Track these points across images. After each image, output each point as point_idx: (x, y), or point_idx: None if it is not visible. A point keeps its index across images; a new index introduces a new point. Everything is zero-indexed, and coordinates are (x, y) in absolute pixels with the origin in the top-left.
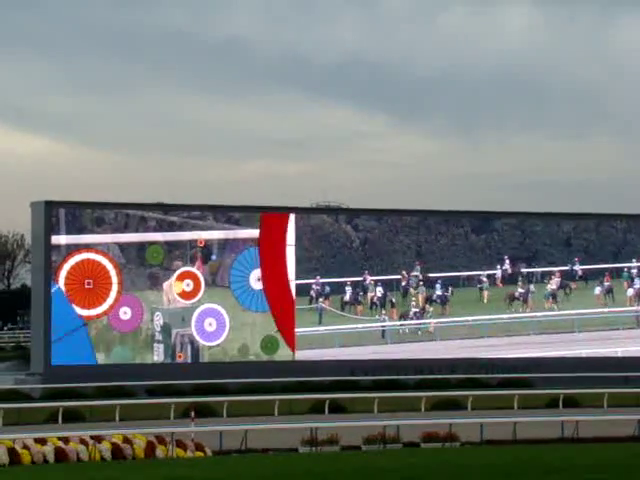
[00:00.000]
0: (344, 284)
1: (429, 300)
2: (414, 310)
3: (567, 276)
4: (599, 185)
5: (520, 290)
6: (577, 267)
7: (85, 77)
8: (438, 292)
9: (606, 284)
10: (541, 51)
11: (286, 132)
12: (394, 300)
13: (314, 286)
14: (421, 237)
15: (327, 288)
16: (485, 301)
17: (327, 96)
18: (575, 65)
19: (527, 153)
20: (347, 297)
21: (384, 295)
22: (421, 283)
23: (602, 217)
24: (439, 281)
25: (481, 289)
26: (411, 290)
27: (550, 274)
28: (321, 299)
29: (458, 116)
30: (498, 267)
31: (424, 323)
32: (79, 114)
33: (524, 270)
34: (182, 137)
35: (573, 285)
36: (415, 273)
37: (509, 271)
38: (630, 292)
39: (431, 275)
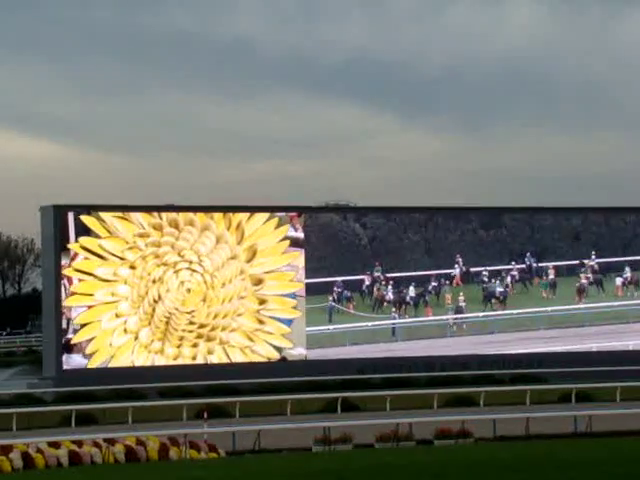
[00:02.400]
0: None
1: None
2: (459, 305)
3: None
4: (607, 178)
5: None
6: (593, 261)
7: (91, 80)
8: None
9: (626, 275)
10: (547, 46)
11: (294, 131)
12: (427, 299)
13: (336, 288)
14: (429, 234)
15: (346, 292)
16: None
17: (334, 95)
18: (582, 59)
19: (535, 148)
20: (390, 295)
21: (422, 294)
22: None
23: (611, 211)
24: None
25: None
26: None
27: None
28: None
29: (466, 112)
30: (513, 263)
31: (457, 318)
32: (86, 117)
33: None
34: (190, 138)
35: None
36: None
37: (533, 265)
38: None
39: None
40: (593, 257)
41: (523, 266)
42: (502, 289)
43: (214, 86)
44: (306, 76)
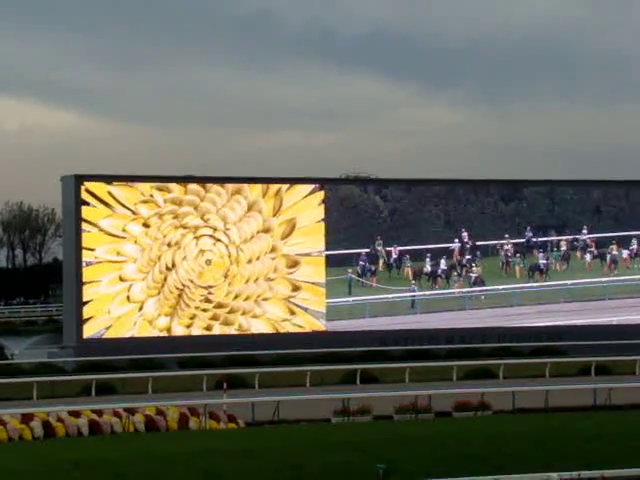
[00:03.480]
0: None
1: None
2: (474, 276)
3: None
4: (628, 152)
5: (542, 261)
6: (584, 236)
7: (113, 51)
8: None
9: (632, 247)
10: (570, 19)
11: (314, 103)
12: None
13: (360, 262)
14: (450, 206)
15: (369, 265)
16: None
17: (355, 67)
18: (605, 33)
19: (556, 121)
20: (428, 268)
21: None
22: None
23: (632, 184)
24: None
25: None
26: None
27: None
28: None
29: (487, 85)
30: (507, 236)
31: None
32: (108, 88)
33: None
34: (211, 110)
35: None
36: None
37: (531, 240)
38: None
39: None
40: (584, 231)
41: (522, 240)
42: (545, 261)
43: (235, 58)
44: (327, 48)
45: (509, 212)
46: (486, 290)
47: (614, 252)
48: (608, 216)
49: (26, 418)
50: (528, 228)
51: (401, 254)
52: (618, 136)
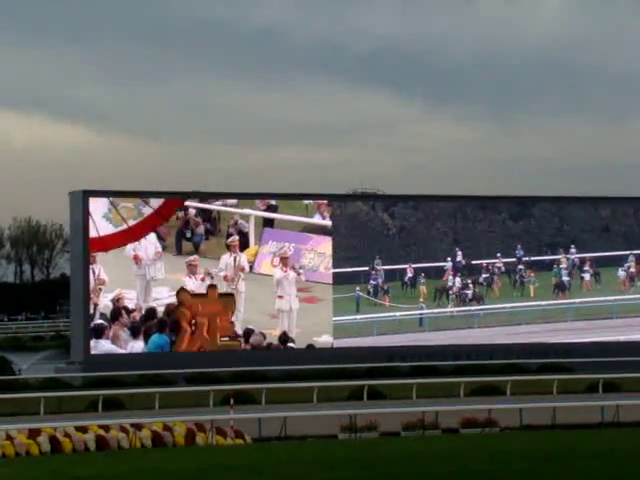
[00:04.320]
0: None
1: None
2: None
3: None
4: (635, 168)
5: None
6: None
7: (120, 66)
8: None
9: (628, 266)
10: (578, 34)
11: (320, 119)
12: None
13: (371, 281)
14: (458, 225)
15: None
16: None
17: (361, 83)
18: (612, 48)
19: (564, 137)
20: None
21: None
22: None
23: None
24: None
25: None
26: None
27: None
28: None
29: (494, 101)
30: (499, 255)
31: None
32: (114, 103)
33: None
34: (216, 124)
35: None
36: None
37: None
38: None
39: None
40: (572, 250)
41: (514, 259)
42: (569, 278)
43: (242, 73)
44: (333, 64)
45: (517, 230)
46: (493, 309)
47: (632, 269)
48: (617, 234)
49: (33, 433)
50: (519, 247)
51: (416, 272)
52: (625, 152)
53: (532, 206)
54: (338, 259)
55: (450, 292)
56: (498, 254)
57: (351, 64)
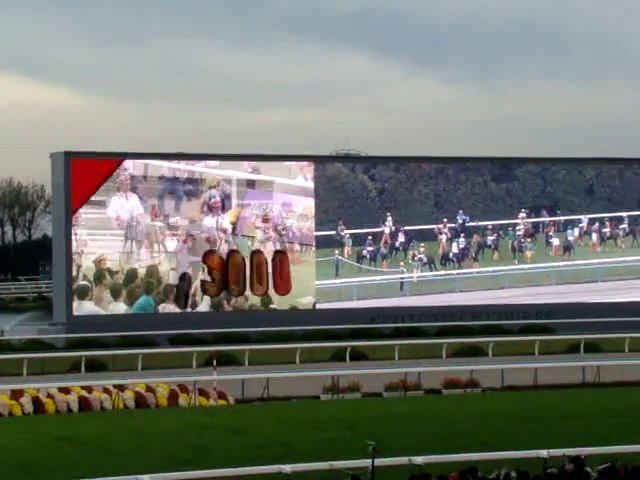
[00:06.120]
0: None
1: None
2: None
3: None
4: (621, 130)
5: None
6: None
7: (102, 28)
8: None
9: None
10: None
11: (303, 81)
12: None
13: (367, 247)
14: (440, 186)
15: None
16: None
17: (343, 44)
18: (597, 10)
19: (546, 99)
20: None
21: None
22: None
23: (626, 162)
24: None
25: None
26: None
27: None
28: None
29: (476, 62)
30: (445, 220)
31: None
32: (96, 65)
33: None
34: (199, 86)
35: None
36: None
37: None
38: None
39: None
40: (523, 214)
41: (454, 225)
42: (573, 239)
43: (223, 35)
44: (316, 26)
45: (500, 192)
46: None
47: (604, 230)
48: (602, 196)
49: (16, 394)
50: (460, 212)
51: (408, 237)
52: (608, 113)
53: (516, 168)
54: (319, 222)
55: (450, 256)
56: (444, 220)
57: (335, 25)
